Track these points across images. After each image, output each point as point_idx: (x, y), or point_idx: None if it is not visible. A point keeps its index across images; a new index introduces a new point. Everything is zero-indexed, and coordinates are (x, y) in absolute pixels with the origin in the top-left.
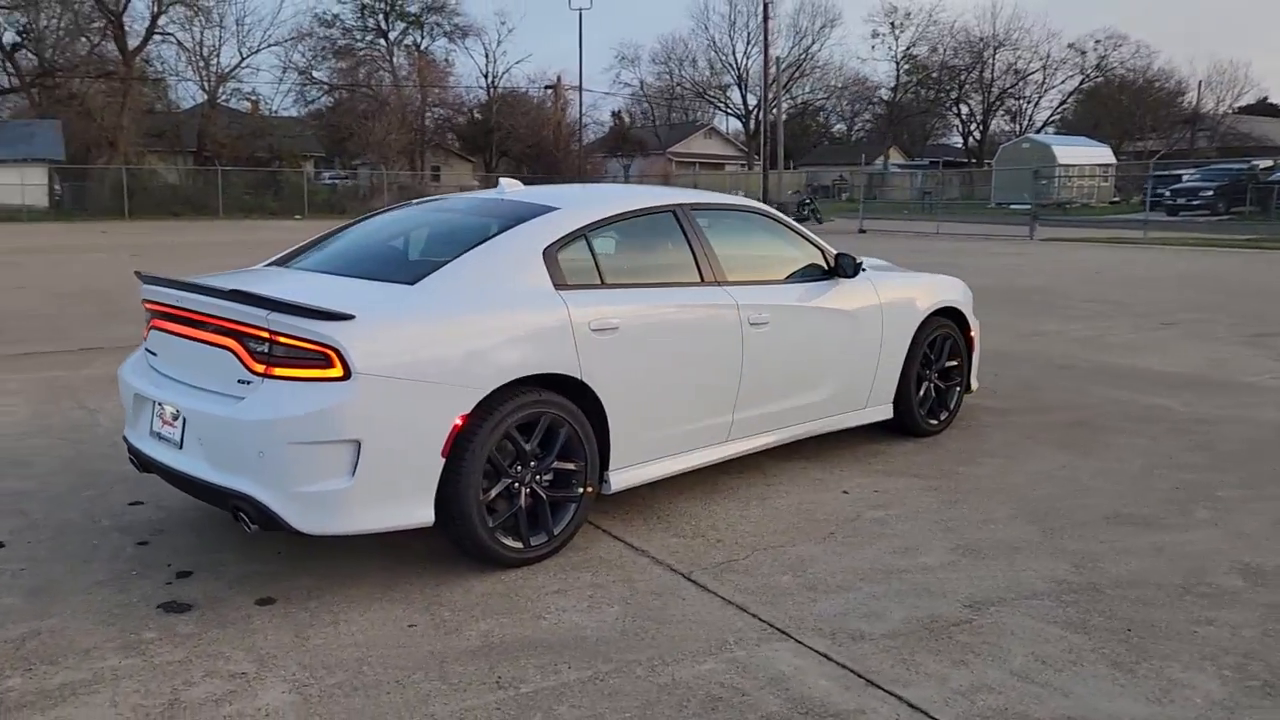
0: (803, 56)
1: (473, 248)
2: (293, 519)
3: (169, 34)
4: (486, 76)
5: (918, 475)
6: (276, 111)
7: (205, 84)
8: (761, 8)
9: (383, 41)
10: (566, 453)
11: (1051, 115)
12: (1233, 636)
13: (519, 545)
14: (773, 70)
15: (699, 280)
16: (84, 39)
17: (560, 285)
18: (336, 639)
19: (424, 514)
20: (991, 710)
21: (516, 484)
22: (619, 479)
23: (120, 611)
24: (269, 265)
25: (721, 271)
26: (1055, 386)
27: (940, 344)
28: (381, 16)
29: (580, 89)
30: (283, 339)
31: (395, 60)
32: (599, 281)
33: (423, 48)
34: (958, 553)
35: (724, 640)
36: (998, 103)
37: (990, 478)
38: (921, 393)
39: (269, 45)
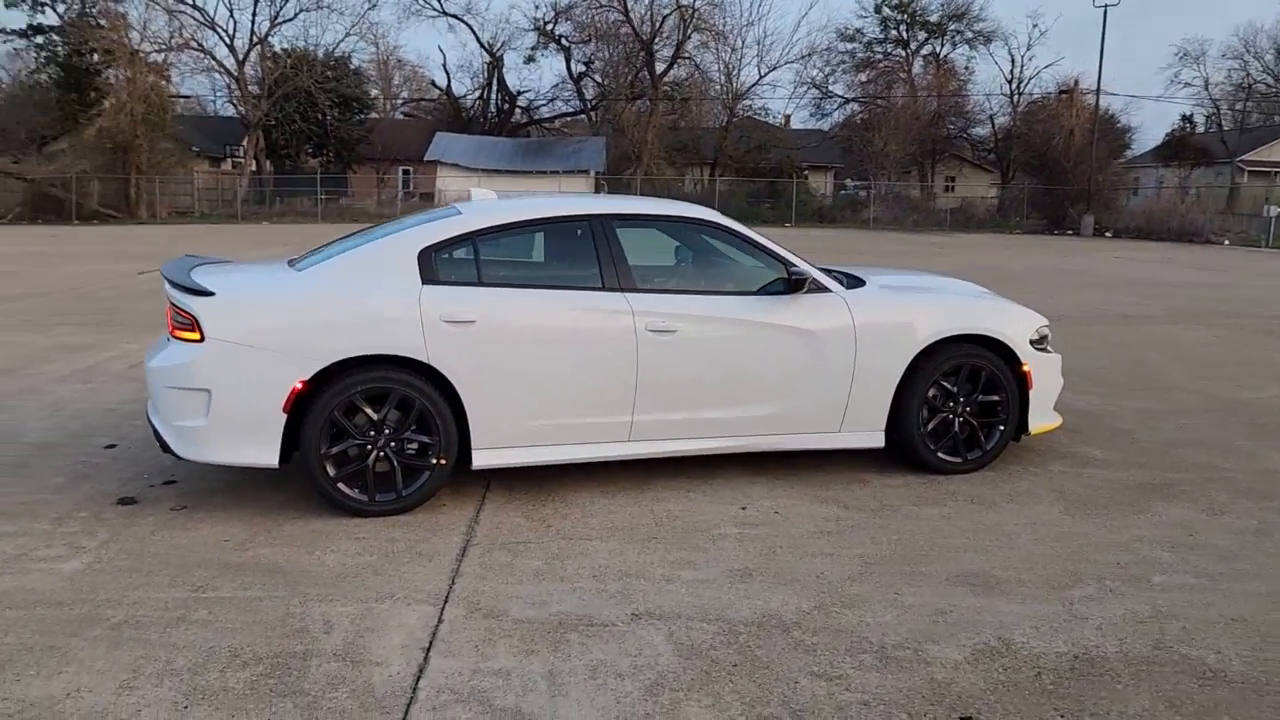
0: None
1: (364, 244)
2: (174, 445)
3: (689, 58)
4: (1011, 82)
5: (849, 505)
6: (788, 123)
7: (725, 101)
8: None
9: (902, 52)
10: (424, 427)
11: None
12: (826, 697)
13: (364, 498)
14: None
15: (599, 286)
16: (628, 66)
17: (430, 281)
18: (170, 539)
19: (268, 457)
20: (465, 691)
21: (369, 446)
22: (483, 458)
23: (96, 497)
24: (287, 260)
25: (629, 279)
26: (1220, 446)
27: (968, 375)
28: (903, 27)
29: (1098, 92)
30: (179, 310)
31: (914, 70)
32: (476, 280)
33: (942, 56)
34: (730, 575)
35: (393, 594)
36: None
37: (920, 520)
38: (931, 426)
39: (787, 62)
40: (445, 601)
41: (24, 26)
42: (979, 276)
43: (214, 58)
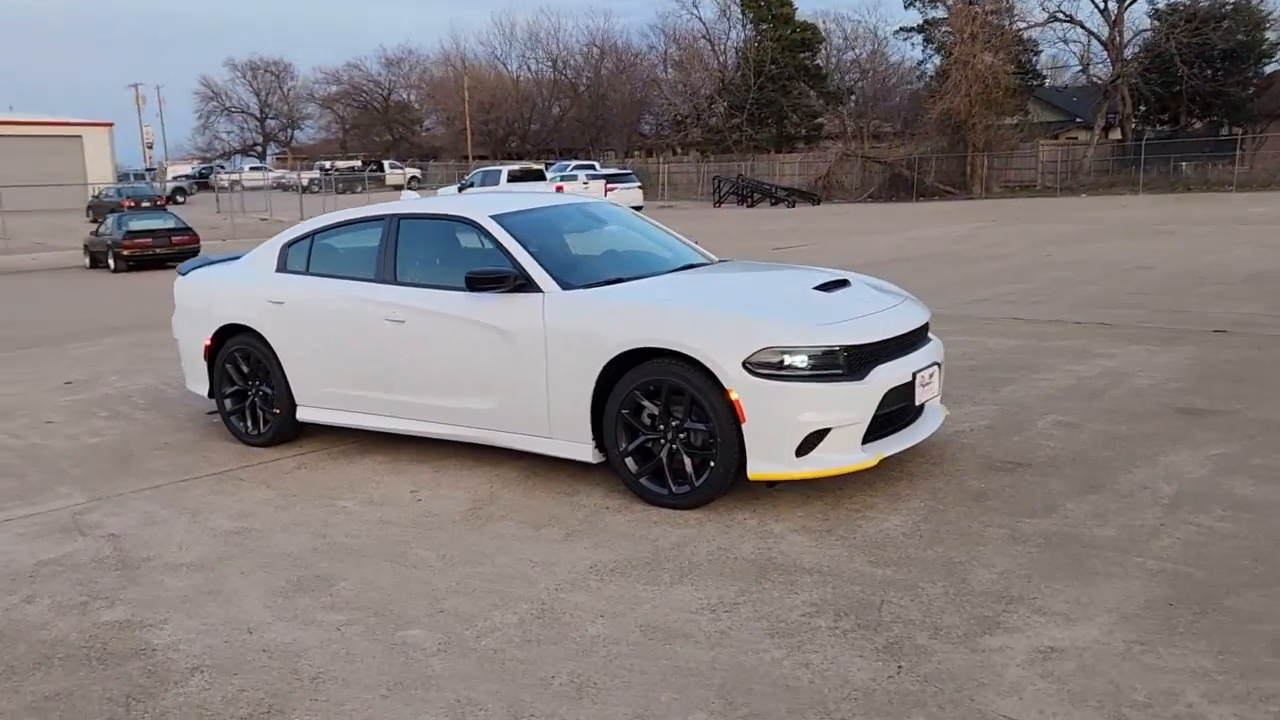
0: None
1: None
2: (185, 378)
3: None
4: None
5: (487, 506)
6: None
7: None
8: None
9: None
10: (271, 383)
11: None
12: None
13: (244, 430)
14: None
15: (372, 278)
16: None
17: (281, 269)
18: (151, 439)
19: (202, 390)
20: None
21: (247, 392)
22: (303, 414)
23: (204, 407)
24: None
25: (394, 272)
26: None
27: (670, 396)
28: None
29: None
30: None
31: None
32: (305, 270)
33: None
34: (229, 531)
35: (109, 488)
36: None
37: (488, 535)
38: (634, 446)
39: None
40: (99, 501)
41: (920, 23)
42: None
43: (1084, 26)
